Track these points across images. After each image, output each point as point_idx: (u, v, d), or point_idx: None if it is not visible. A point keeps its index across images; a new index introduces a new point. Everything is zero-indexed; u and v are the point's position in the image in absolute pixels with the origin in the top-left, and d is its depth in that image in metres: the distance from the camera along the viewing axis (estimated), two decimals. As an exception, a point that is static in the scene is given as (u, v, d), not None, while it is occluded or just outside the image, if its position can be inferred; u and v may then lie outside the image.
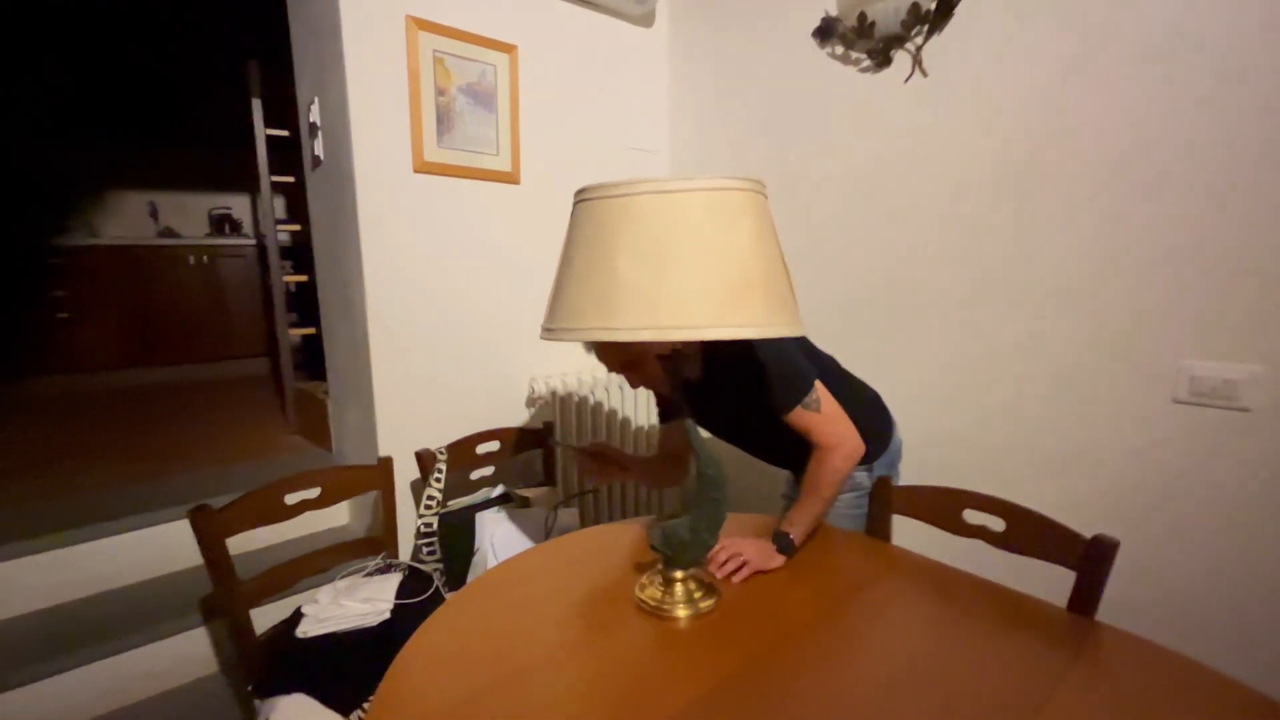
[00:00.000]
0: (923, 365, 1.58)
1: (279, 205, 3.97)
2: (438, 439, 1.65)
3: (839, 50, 1.63)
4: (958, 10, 1.39)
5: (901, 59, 1.51)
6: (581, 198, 0.89)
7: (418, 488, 1.67)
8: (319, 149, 1.71)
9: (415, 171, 1.56)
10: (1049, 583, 1.04)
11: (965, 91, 1.42)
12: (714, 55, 1.98)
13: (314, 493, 1.31)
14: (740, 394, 1.18)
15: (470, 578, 1.45)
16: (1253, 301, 1.12)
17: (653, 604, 0.95)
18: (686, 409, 1.07)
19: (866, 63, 1.58)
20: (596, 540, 1.20)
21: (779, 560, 1.04)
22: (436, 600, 1.26)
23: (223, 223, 4.32)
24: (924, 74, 1.48)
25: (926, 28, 1.44)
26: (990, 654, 0.83)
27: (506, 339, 1.81)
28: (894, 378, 1.54)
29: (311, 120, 1.71)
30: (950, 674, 0.79)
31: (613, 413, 1.90)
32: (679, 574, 0.99)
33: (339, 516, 1.98)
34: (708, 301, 0.82)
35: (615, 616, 0.93)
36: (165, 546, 1.65)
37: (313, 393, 2.36)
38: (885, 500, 1.27)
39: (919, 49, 1.47)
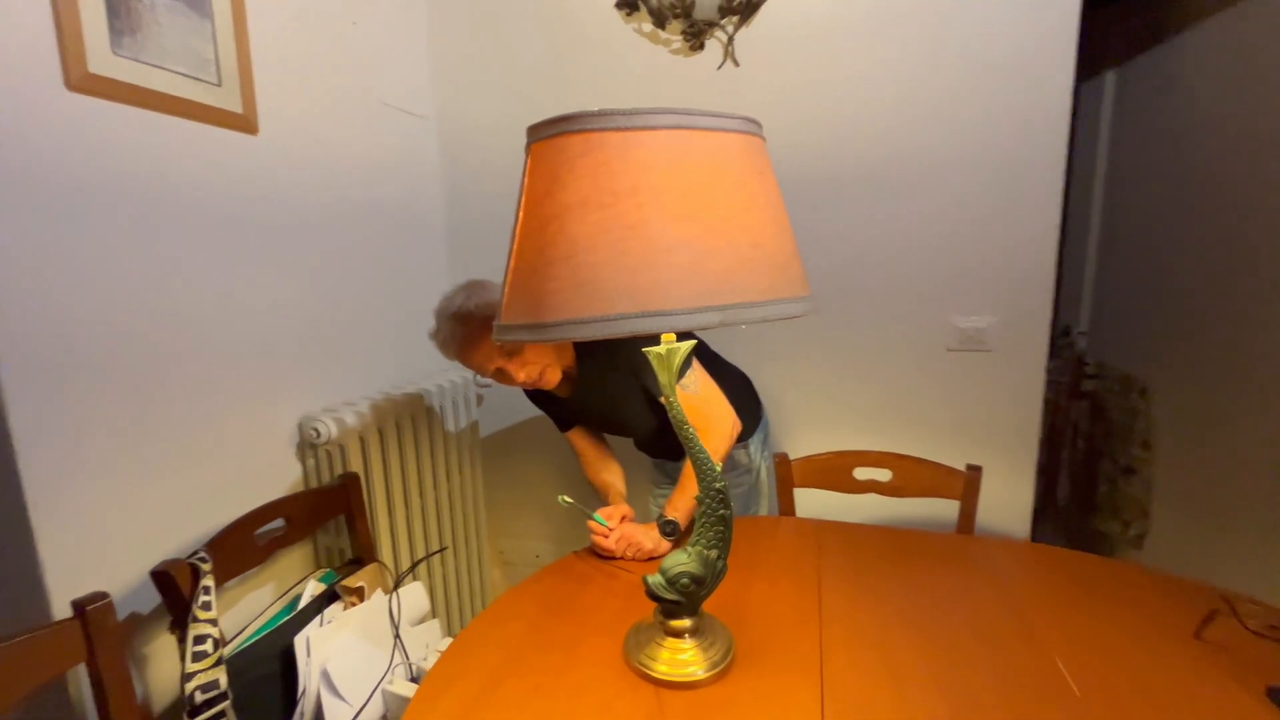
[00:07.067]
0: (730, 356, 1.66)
1: None
2: (176, 543, 1.01)
3: (646, 28, 1.57)
4: (764, 5, 1.47)
5: (714, 46, 1.53)
6: (568, 128, 0.63)
7: (153, 627, 0.99)
8: None
9: (72, 89, 0.89)
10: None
11: (774, 85, 1.52)
12: (487, 14, 1.69)
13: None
14: (615, 381, 1.16)
15: (298, 740, 0.93)
16: (984, 266, 1.48)
17: (668, 671, 0.75)
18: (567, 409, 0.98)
19: (678, 44, 1.55)
20: (548, 594, 0.92)
21: (667, 545, 1.09)
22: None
23: None
24: (735, 63, 1.53)
25: (737, 18, 1.49)
26: (967, 595, 0.94)
27: (257, 367, 1.21)
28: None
29: None
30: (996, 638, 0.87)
31: (439, 438, 1.47)
32: (686, 621, 0.81)
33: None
34: (760, 268, 0.66)
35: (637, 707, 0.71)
36: None
37: None
38: (788, 476, 1.28)
39: (730, 38, 1.51)
